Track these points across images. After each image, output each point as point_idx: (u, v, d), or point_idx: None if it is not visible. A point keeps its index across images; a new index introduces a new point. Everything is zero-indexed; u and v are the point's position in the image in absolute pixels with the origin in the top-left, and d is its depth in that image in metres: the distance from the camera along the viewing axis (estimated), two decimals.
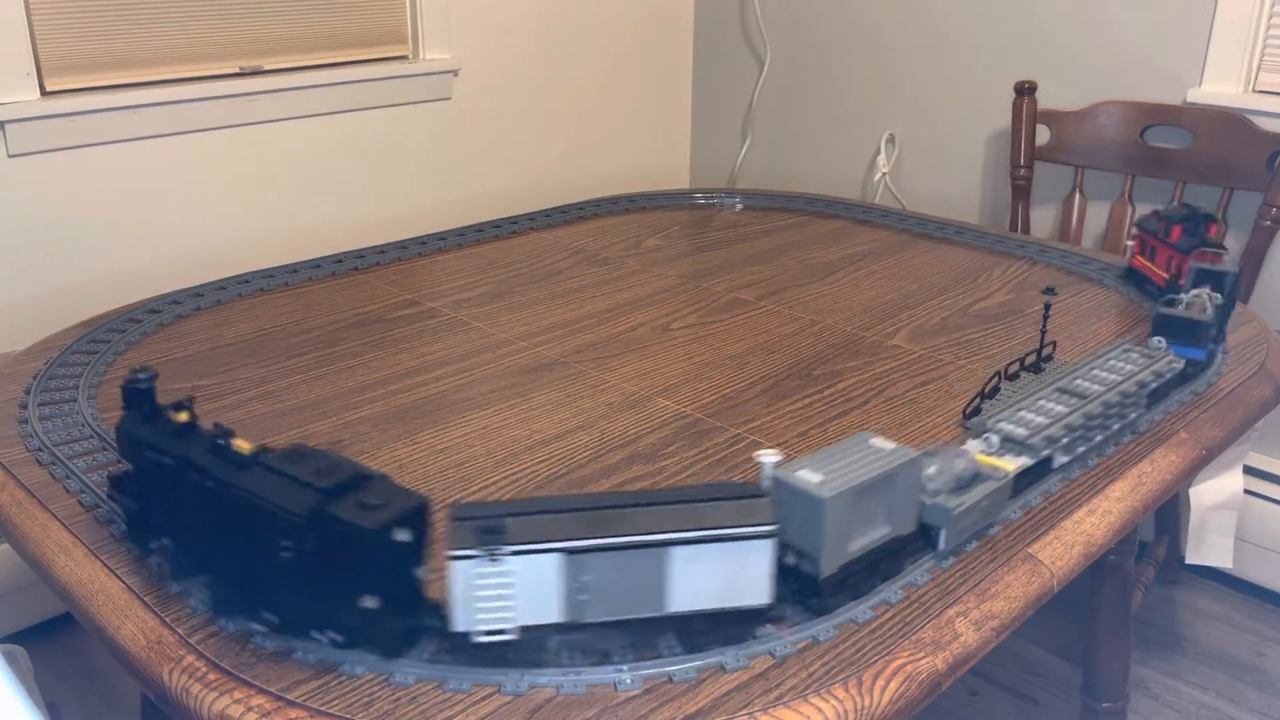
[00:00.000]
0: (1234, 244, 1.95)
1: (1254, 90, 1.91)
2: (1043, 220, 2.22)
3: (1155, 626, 1.94)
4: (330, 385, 1.23)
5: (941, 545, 0.90)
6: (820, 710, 0.74)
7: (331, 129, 2.11)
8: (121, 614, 0.83)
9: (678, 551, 0.76)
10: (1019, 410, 1.06)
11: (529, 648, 0.77)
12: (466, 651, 0.77)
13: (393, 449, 1.08)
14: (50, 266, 1.80)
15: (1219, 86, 1.93)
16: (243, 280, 1.54)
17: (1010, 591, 0.88)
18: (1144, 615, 1.97)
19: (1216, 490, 1.53)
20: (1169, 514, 1.95)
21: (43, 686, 1.75)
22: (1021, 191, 2.09)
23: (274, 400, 1.19)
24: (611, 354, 1.33)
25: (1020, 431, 1.02)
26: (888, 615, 0.83)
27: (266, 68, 2.02)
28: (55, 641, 1.86)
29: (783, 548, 0.83)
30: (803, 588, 0.83)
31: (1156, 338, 1.24)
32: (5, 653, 1.28)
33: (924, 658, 0.79)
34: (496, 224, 1.83)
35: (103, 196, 1.84)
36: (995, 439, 1.01)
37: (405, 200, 2.27)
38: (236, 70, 1.98)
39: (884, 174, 2.44)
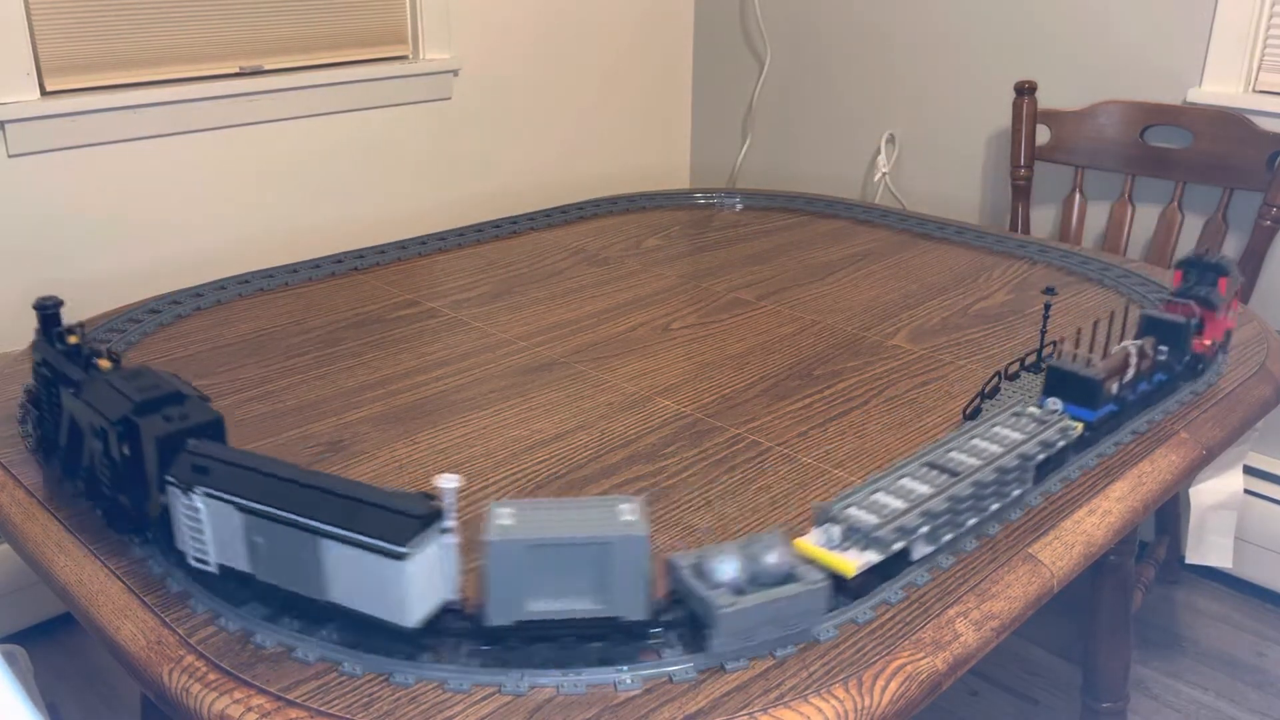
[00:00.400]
0: (1234, 244, 1.95)
1: (1254, 90, 1.91)
2: (1043, 220, 2.22)
3: (1155, 626, 1.94)
4: (330, 385, 1.23)
5: (711, 646, 0.77)
6: (820, 710, 0.74)
7: (331, 129, 2.11)
8: (121, 614, 0.83)
9: (326, 542, 0.77)
10: (875, 491, 0.91)
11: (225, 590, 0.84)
12: (185, 567, 0.86)
13: (393, 449, 1.08)
14: (50, 266, 1.80)
15: (1219, 86, 1.93)
16: (243, 280, 1.54)
17: (1010, 591, 0.88)
18: (1144, 615, 1.97)
19: (1216, 490, 1.53)
20: (1169, 514, 1.95)
21: (43, 686, 1.75)
22: (1021, 191, 2.09)
23: (274, 400, 1.19)
24: (611, 354, 1.33)
25: (869, 520, 0.86)
26: (888, 615, 0.83)
27: (266, 68, 2.02)
28: (55, 641, 1.86)
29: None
30: (473, 629, 0.79)
31: (1050, 398, 1.09)
32: (5, 653, 1.28)
33: (924, 658, 0.79)
34: (496, 224, 1.83)
35: (103, 196, 1.84)
36: (837, 530, 0.86)
37: (405, 200, 2.27)
38: (236, 70, 1.98)
39: (884, 174, 2.44)
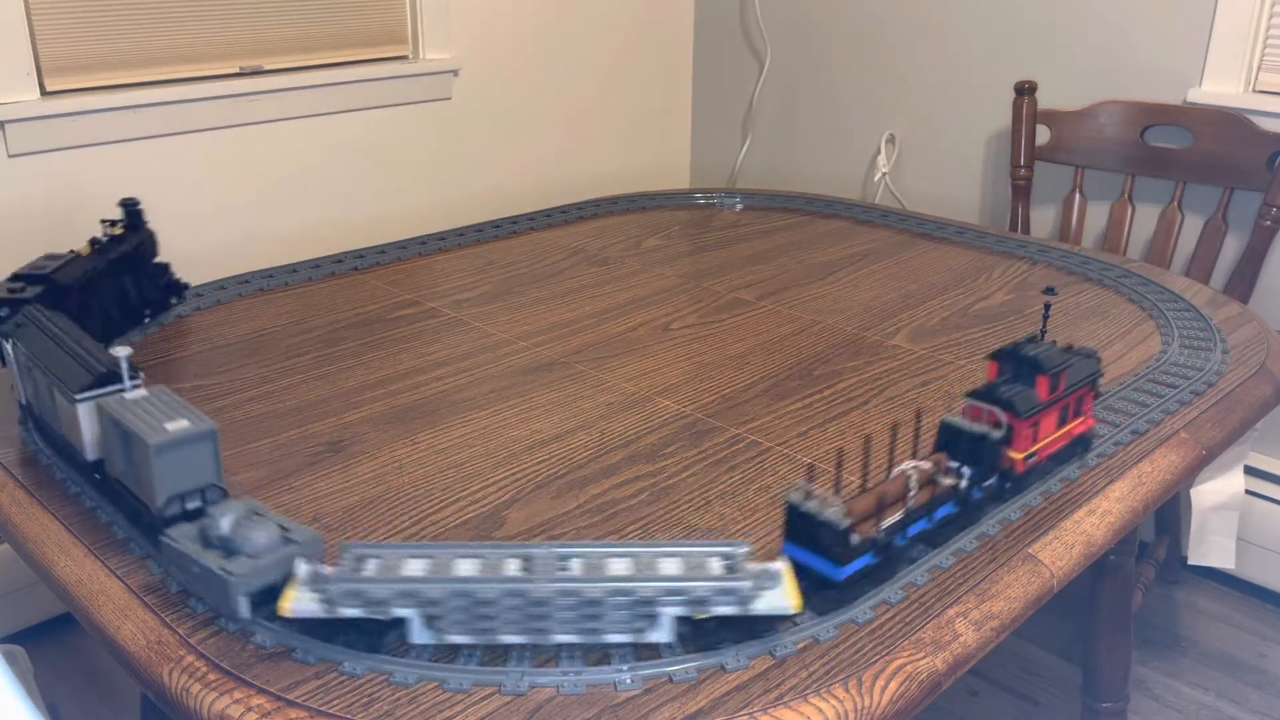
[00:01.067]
0: (1234, 244, 1.95)
1: (1254, 90, 1.91)
2: (1043, 220, 2.22)
3: (1155, 626, 1.94)
4: (330, 385, 1.23)
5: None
6: (820, 710, 0.74)
7: (332, 129, 2.11)
8: (121, 614, 0.83)
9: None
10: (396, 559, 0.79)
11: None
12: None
13: (393, 449, 1.08)
14: None
15: (1219, 86, 1.93)
16: (243, 280, 1.54)
17: (1010, 591, 0.88)
18: (1144, 615, 1.97)
19: (1217, 491, 1.53)
20: (1169, 514, 1.95)
21: (43, 686, 1.75)
22: (1021, 191, 2.09)
23: (274, 400, 1.19)
24: (611, 354, 1.33)
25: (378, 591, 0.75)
26: (887, 615, 0.83)
27: (267, 68, 2.02)
28: (55, 641, 1.86)
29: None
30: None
31: (788, 546, 0.83)
32: (5, 653, 1.28)
33: (924, 658, 0.79)
34: (496, 224, 1.83)
35: (102, 196, 1.84)
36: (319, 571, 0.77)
37: (405, 200, 2.27)
38: (237, 70, 1.98)
39: (884, 174, 2.44)
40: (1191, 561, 1.59)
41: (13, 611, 1.83)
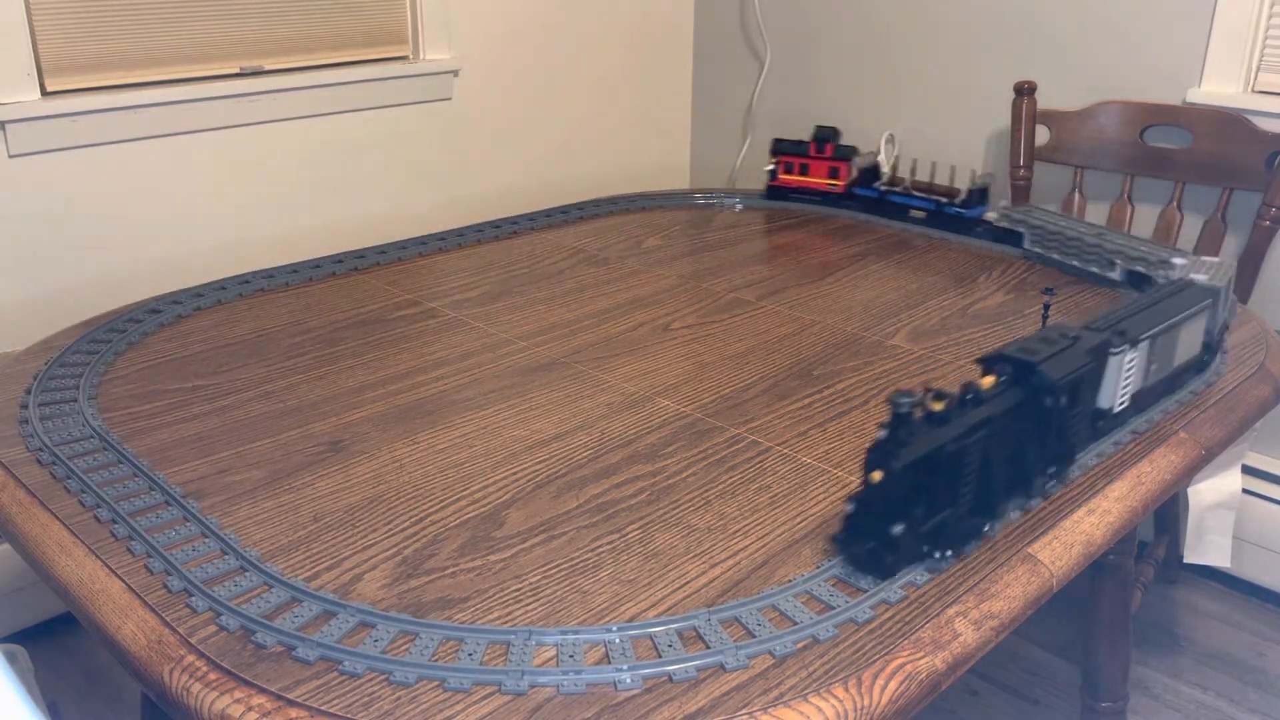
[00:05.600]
0: (1234, 244, 1.95)
1: (1253, 90, 1.91)
2: None
3: (1155, 626, 1.94)
4: (330, 385, 1.23)
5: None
6: (820, 710, 0.74)
7: (332, 129, 2.11)
8: (121, 614, 0.83)
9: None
10: None
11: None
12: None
13: (393, 449, 1.09)
14: (50, 266, 1.80)
15: (1219, 86, 1.93)
16: (243, 280, 1.54)
17: (1010, 591, 0.88)
18: (1144, 615, 1.97)
19: (1215, 490, 1.53)
20: (1168, 514, 1.95)
21: (43, 686, 1.75)
22: (1021, 191, 2.09)
23: (274, 400, 1.19)
24: (611, 354, 1.33)
25: None
26: (887, 615, 0.83)
27: (267, 68, 2.02)
28: (55, 641, 1.86)
29: None
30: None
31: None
32: (5, 653, 1.28)
33: (924, 657, 0.80)
34: (496, 224, 1.83)
35: (103, 196, 1.84)
36: None
37: (405, 200, 2.27)
38: (237, 70, 1.98)
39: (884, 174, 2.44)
40: (1188, 560, 1.59)
41: (13, 611, 1.83)
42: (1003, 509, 0.96)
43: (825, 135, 1.90)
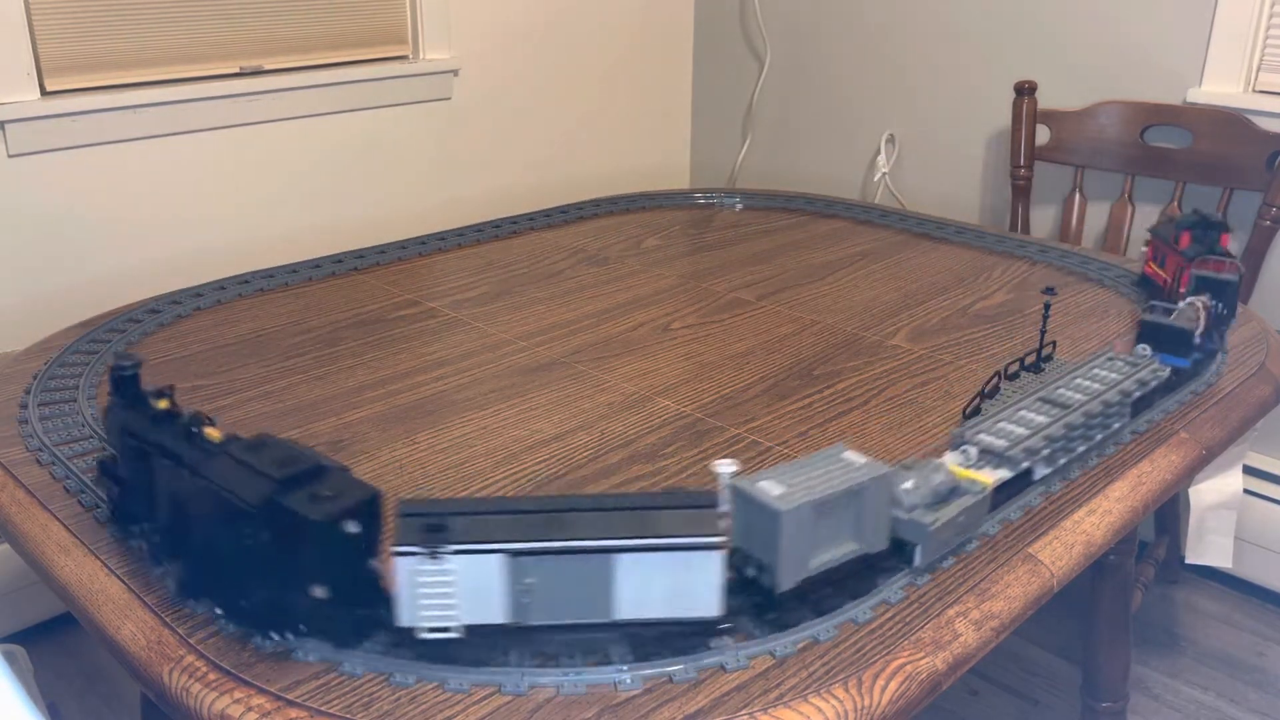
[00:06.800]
0: (1234, 244, 1.95)
1: (1254, 90, 1.91)
2: (1043, 220, 2.22)
3: (1155, 626, 1.94)
4: (330, 385, 1.23)
5: (917, 562, 0.87)
6: (820, 710, 0.74)
7: (332, 129, 2.11)
8: (121, 614, 0.83)
9: (624, 558, 0.75)
10: (998, 421, 1.03)
11: (477, 647, 0.77)
12: (412, 646, 0.77)
13: (393, 449, 1.08)
14: (50, 266, 1.80)
15: (1219, 86, 1.93)
16: (243, 280, 1.54)
17: (1010, 591, 0.88)
18: (1144, 615, 1.97)
19: (1216, 490, 1.53)
20: (1169, 514, 1.95)
21: (43, 686, 1.75)
22: (1021, 191, 2.09)
23: (274, 400, 1.19)
24: (611, 354, 1.33)
25: (999, 443, 0.99)
26: (887, 615, 0.83)
27: (267, 68, 2.02)
28: (55, 641, 1.86)
29: (744, 559, 0.83)
30: (761, 601, 0.82)
31: (1141, 345, 1.21)
32: (5, 653, 1.28)
33: (924, 658, 0.80)
34: (496, 224, 1.83)
35: (103, 196, 1.84)
36: (973, 451, 0.98)
37: (405, 200, 2.27)
38: (237, 70, 1.98)
39: (884, 174, 2.44)
40: (1189, 560, 1.59)
41: (13, 611, 1.83)
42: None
43: (1189, 222, 1.41)
